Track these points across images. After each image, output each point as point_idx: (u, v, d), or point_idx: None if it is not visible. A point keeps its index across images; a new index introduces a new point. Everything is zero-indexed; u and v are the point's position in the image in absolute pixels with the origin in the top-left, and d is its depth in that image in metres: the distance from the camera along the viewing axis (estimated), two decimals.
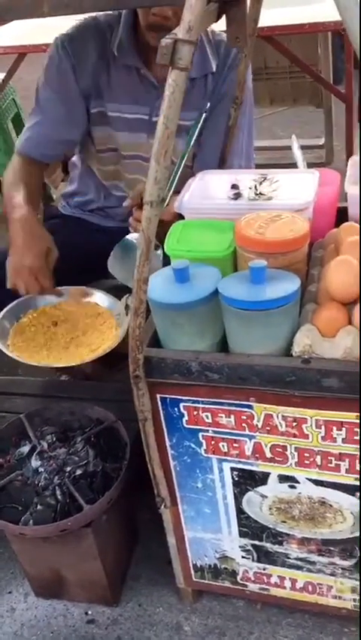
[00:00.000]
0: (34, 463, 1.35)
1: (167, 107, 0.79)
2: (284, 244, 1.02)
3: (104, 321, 1.44)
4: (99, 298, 1.49)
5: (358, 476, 1.05)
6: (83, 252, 1.59)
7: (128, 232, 1.45)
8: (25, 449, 1.38)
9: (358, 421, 0.98)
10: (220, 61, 1.51)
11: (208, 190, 1.23)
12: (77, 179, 1.79)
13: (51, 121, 1.57)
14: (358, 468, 1.04)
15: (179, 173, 1.36)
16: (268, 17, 2.15)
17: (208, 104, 1.45)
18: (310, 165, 1.32)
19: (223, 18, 1.03)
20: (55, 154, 1.68)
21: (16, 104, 3.05)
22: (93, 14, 1.52)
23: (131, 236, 1.43)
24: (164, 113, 0.79)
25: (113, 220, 1.73)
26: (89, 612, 1.43)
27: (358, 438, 1.00)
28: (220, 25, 1.13)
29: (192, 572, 1.34)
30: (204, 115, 1.42)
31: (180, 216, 1.17)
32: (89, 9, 1.03)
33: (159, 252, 1.26)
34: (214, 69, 1.50)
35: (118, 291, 1.52)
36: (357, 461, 1.03)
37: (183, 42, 0.75)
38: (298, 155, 1.34)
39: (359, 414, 0.97)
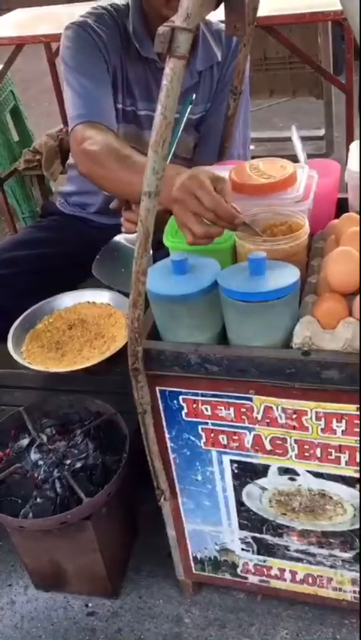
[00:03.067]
0: (34, 456, 1.34)
1: (165, 97, 0.78)
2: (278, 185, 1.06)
3: (116, 321, 1.44)
4: (110, 298, 1.49)
5: (358, 468, 1.05)
6: (82, 250, 1.58)
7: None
8: (25, 442, 1.38)
9: (358, 413, 0.98)
10: (224, 51, 1.49)
11: None
12: (75, 180, 1.73)
13: (103, 84, 1.40)
14: (358, 460, 1.03)
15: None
16: (268, 6, 2.13)
17: (194, 96, 1.41)
18: (310, 156, 1.31)
19: (222, 6, 1.02)
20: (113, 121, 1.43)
21: (15, 96, 3.02)
22: (102, 4, 1.45)
23: (120, 237, 1.42)
24: (162, 102, 0.78)
25: (113, 218, 1.71)
26: (90, 604, 1.43)
27: (358, 430, 1.00)
28: (219, 14, 1.11)
29: (192, 564, 1.34)
30: (190, 105, 1.39)
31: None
32: None
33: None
34: (220, 59, 1.48)
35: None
36: (357, 453, 1.03)
37: (181, 30, 0.74)
38: (298, 146, 1.33)
39: (359, 406, 0.97)
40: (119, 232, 1.46)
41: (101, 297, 1.51)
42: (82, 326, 1.46)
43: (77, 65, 1.37)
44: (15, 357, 1.37)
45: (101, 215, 1.72)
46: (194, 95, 1.43)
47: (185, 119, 1.38)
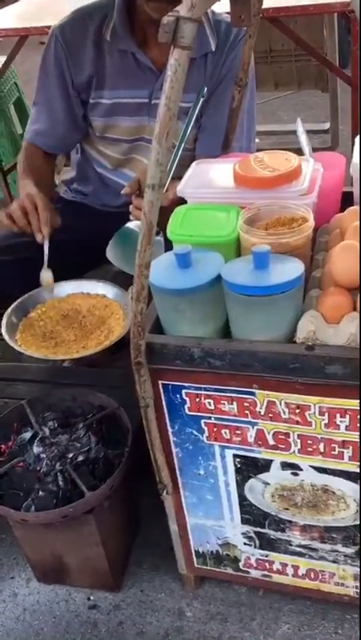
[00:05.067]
0: (36, 449, 1.34)
1: (169, 88, 0.77)
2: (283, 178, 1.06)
3: (112, 312, 1.43)
4: (107, 289, 1.48)
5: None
6: (84, 236, 1.58)
7: (128, 216, 1.43)
8: (27, 435, 1.38)
9: None
10: (220, 42, 1.48)
11: (211, 175, 1.21)
12: (75, 166, 1.78)
13: (52, 117, 1.60)
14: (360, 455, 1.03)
15: (177, 158, 1.34)
16: None
17: (205, 88, 1.42)
18: (315, 149, 1.30)
19: None
20: (60, 146, 1.69)
21: (18, 88, 3.02)
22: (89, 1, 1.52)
23: (131, 224, 1.42)
24: (166, 93, 0.77)
25: (113, 206, 1.71)
26: (92, 597, 1.43)
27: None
28: (224, 6, 1.10)
29: (194, 558, 1.34)
30: (201, 99, 1.40)
31: (181, 202, 1.16)
32: None
33: (160, 237, 1.25)
34: (213, 48, 1.47)
35: (120, 278, 1.51)
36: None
37: (186, 20, 0.73)
38: (303, 139, 1.32)
39: (359, 400, 0.96)
40: (119, 218, 1.47)
41: (97, 288, 1.50)
42: (76, 317, 1.45)
43: (41, 81, 1.59)
44: (10, 343, 1.36)
45: (98, 202, 1.74)
46: (205, 89, 1.42)
47: (196, 111, 1.38)
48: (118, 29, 1.47)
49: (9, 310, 1.42)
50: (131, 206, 1.34)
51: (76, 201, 1.79)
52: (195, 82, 1.46)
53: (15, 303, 1.44)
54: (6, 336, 1.37)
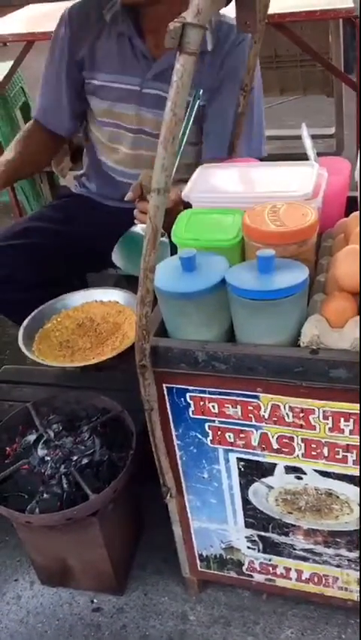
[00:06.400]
0: (41, 451, 1.35)
1: (175, 93, 0.77)
2: (292, 235, 1.01)
3: (126, 318, 1.44)
4: (119, 296, 1.50)
5: None
6: (90, 231, 1.61)
7: (133, 212, 1.44)
8: (32, 438, 1.39)
9: None
10: (219, 42, 1.49)
11: (216, 180, 1.22)
12: (86, 162, 1.84)
13: (54, 92, 1.65)
14: (359, 458, 1.03)
15: (177, 161, 1.35)
16: (279, 4, 2.12)
17: (201, 91, 1.43)
18: (320, 154, 1.30)
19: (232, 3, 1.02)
20: (60, 124, 1.71)
21: (25, 93, 3.03)
22: None
23: (137, 228, 1.42)
24: (172, 98, 0.78)
25: (117, 200, 1.72)
26: (95, 600, 1.44)
27: None
28: (230, 11, 1.11)
29: (198, 561, 1.34)
30: (198, 101, 1.40)
31: (185, 205, 1.16)
32: None
33: (165, 239, 1.26)
34: (210, 48, 1.47)
35: (123, 283, 1.52)
36: None
37: (192, 26, 0.74)
38: (307, 144, 1.32)
39: (359, 404, 0.96)
40: (125, 214, 1.47)
41: (109, 295, 1.52)
42: (91, 325, 1.47)
43: (48, 58, 1.64)
44: (27, 354, 1.38)
45: (102, 198, 1.78)
46: (201, 91, 1.43)
47: (194, 112, 1.38)
48: (119, 13, 1.50)
49: (25, 322, 1.44)
50: (135, 211, 1.35)
51: (83, 195, 1.82)
52: (195, 79, 1.47)
53: (31, 315, 1.47)
54: (23, 348, 1.38)
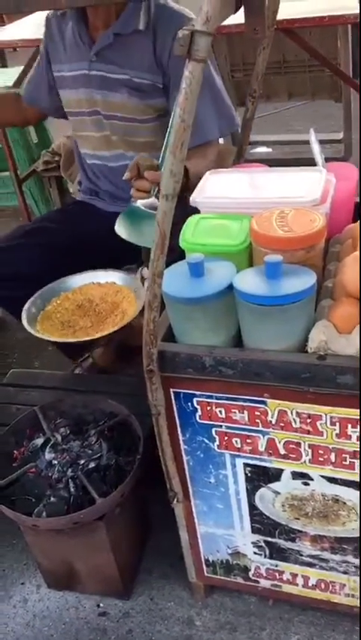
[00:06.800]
0: (48, 455, 1.35)
1: (183, 99, 0.78)
2: (300, 240, 1.01)
3: (124, 297, 1.47)
4: (116, 277, 1.54)
5: None
6: (93, 234, 1.62)
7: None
8: (40, 441, 1.39)
9: None
10: (152, 22, 1.52)
11: (223, 185, 1.22)
12: (77, 160, 1.90)
13: (36, 71, 1.79)
14: None
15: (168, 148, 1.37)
16: (288, 10, 2.12)
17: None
18: (328, 160, 1.30)
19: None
20: (35, 97, 1.82)
21: None
22: None
23: (138, 202, 1.45)
24: (180, 105, 0.78)
25: (115, 205, 1.74)
26: (101, 605, 1.44)
27: None
28: (239, 17, 1.11)
29: (204, 566, 1.34)
30: None
31: (193, 211, 1.17)
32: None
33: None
34: (141, 27, 1.52)
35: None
36: None
37: (201, 33, 0.74)
38: (316, 149, 1.33)
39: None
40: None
41: (106, 276, 1.56)
42: (90, 305, 1.50)
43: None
44: (32, 332, 1.41)
45: (104, 202, 1.81)
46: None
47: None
48: (72, 11, 1.60)
49: (27, 304, 1.48)
50: (132, 189, 1.38)
51: (84, 201, 1.86)
52: (128, 58, 1.54)
53: (31, 299, 1.50)
54: (27, 327, 1.41)
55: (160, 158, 1.35)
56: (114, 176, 1.71)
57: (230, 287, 0.99)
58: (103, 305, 1.50)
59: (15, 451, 1.40)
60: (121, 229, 1.39)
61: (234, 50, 2.90)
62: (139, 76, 1.55)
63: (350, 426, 1.00)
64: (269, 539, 1.23)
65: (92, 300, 1.52)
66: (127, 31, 1.53)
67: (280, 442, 1.07)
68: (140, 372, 1.06)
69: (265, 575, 1.29)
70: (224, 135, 1.71)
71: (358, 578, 1.20)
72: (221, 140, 2.73)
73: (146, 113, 1.60)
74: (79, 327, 1.45)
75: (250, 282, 0.98)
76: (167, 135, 1.37)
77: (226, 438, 1.11)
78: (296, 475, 1.10)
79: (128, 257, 1.59)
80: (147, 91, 1.57)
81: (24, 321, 1.44)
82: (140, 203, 1.37)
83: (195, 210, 1.16)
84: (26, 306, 1.49)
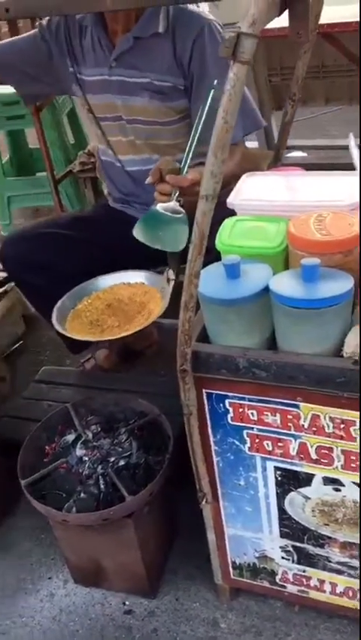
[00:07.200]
0: (79, 452, 1.37)
1: (227, 101, 0.78)
2: (337, 244, 1.00)
3: (151, 298, 1.49)
4: (145, 277, 1.56)
5: None
6: (120, 238, 1.64)
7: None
8: (71, 438, 1.41)
9: None
10: (170, 25, 1.52)
11: (261, 188, 1.22)
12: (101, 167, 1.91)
13: (16, 47, 1.72)
14: None
15: (194, 144, 1.37)
16: (328, 14, 2.11)
17: (216, 81, 1.40)
18: None
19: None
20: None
21: (72, 100, 3.09)
22: None
23: (157, 206, 1.46)
24: (224, 107, 0.79)
25: (142, 211, 1.75)
26: (127, 602, 1.44)
27: None
28: (280, 21, 1.12)
29: (231, 569, 1.34)
30: (212, 91, 1.41)
31: (230, 213, 1.17)
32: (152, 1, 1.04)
33: (182, 215, 1.34)
34: (160, 30, 1.52)
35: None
36: None
37: (247, 36, 0.75)
38: (355, 154, 1.32)
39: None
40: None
41: (135, 277, 1.58)
42: (118, 305, 1.53)
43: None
44: (60, 330, 1.43)
45: (134, 208, 1.82)
46: (216, 81, 1.42)
47: (207, 107, 1.39)
48: (91, 16, 1.60)
49: (58, 304, 1.50)
50: (155, 192, 1.40)
51: (114, 207, 1.87)
52: (149, 61, 1.54)
53: (64, 297, 1.52)
54: (57, 326, 1.43)
55: (182, 162, 1.36)
56: (143, 180, 1.70)
57: (266, 289, 0.99)
58: (131, 305, 1.52)
59: (47, 447, 1.42)
60: (139, 232, 1.41)
61: (272, 54, 2.90)
62: (160, 79, 1.56)
63: None
64: (298, 544, 1.22)
65: (122, 299, 1.54)
66: (147, 34, 1.53)
67: (312, 447, 1.06)
68: (170, 373, 1.06)
69: (292, 580, 1.29)
70: (248, 134, 1.69)
71: None
72: (255, 144, 2.74)
73: (168, 116, 1.61)
74: (106, 326, 1.46)
75: (286, 284, 0.98)
76: (191, 138, 1.38)
77: (257, 440, 1.11)
78: (327, 481, 1.10)
79: (159, 259, 1.60)
80: (168, 93, 1.57)
81: (53, 319, 1.46)
82: (160, 206, 1.39)
83: (230, 212, 1.16)
84: (58, 304, 1.51)
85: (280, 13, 0.91)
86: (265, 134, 2.67)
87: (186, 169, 1.36)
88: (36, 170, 3.24)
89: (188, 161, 1.36)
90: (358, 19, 2.17)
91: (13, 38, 1.82)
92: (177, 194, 1.35)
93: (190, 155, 1.37)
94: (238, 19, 2.09)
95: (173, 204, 1.35)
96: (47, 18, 1.67)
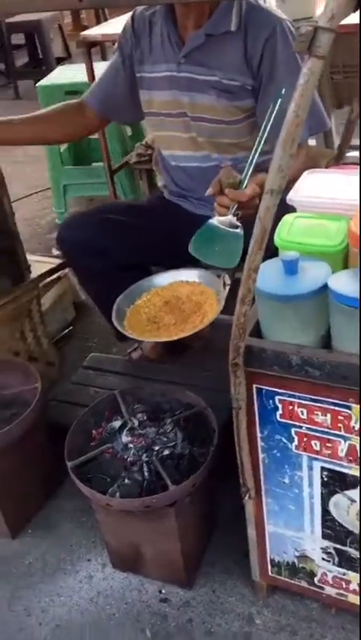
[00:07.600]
0: (125, 438, 1.39)
1: (299, 96, 0.78)
2: None
3: (207, 299, 1.49)
4: (202, 277, 1.57)
5: None
6: (173, 232, 1.66)
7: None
8: (117, 424, 1.43)
9: None
10: (242, 24, 1.50)
11: (322, 185, 1.21)
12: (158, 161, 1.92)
13: (106, 79, 1.77)
14: None
15: (256, 156, 1.35)
16: None
17: (283, 90, 1.37)
18: None
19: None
20: (106, 105, 1.79)
21: None
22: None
23: (214, 220, 1.46)
24: (296, 101, 0.78)
25: (203, 208, 1.75)
26: (163, 591, 1.46)
27: None
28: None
29: (269, 566, 1.34)
30: (279, 100, 1.39)
31: (289, 209, 1.16)
32: None
33: (239, 230, 1.34)
34: (232, 28, 1.50)
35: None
36: None
37: (324, 30, 0.74)
38: None
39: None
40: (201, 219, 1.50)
41: (193, 275, 1.59)
42: (176, 302, 1.54)
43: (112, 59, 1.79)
44: (119, 328, 1.45)
45: (191, 203, 1.82)
46: (283, 90, 1.42)
47: (273, 114, 1.37)
48: (161, 11, 1.61)
49: (119, 299, 1.52)
50: (215, 204, 1.39)
51: (170, 201, 1.87)
52: (219, 59, 1.53)
53: (124, 293, 1.55)
54: (115, 322, 1.46)
55: (244, 174, 1.35)
56: (201, 178, 1.70)
57: (324, 287, 0.98)
58: (188, 304, 1.52)
59: (93, 431, 1.45)
60: (194, 248, 1.41)
61: (335, 51, 2.86)
62: (228, 78, 1.54)
63: None
64: (339, 547, 1.21)
65: (180, 297, 1.55)
66: (219, 31, 1.52)
67: None
68: (217, 367, 1.06)
69: (331, 582, 1.27)
70: (314, 135, 1.67)
71: None
72: (313, 142, 2.71)
73: (234, 115, 1.59)
74: (163, 324, 1.48)
75: (345, 283, 0.97)
76: (253, 150, 1.37)
77: (305, 439, 1.10)
78: None
79: None
80: (235, 92, 1.56)
81: (113, 315, 1.48)
82: (216, 220, 1.39)
83: (288, 210, 1.16)
84: (118, 299, 1.53)
85: (355, 9, 0.89)
86: (323, 132, 2.63)
87: (246, 181, 1.35)
88: (92, 161, 3.28)
89: (249, 174, 1.35)
90: None
91: (103, 76, 1.80)
92: (235, 207, 1.34)
93: (252, 168, 1.35)
94: (304, 14, 2.06)
95: (230, 218, 1.35)
96: (120, 36, 1.70)
